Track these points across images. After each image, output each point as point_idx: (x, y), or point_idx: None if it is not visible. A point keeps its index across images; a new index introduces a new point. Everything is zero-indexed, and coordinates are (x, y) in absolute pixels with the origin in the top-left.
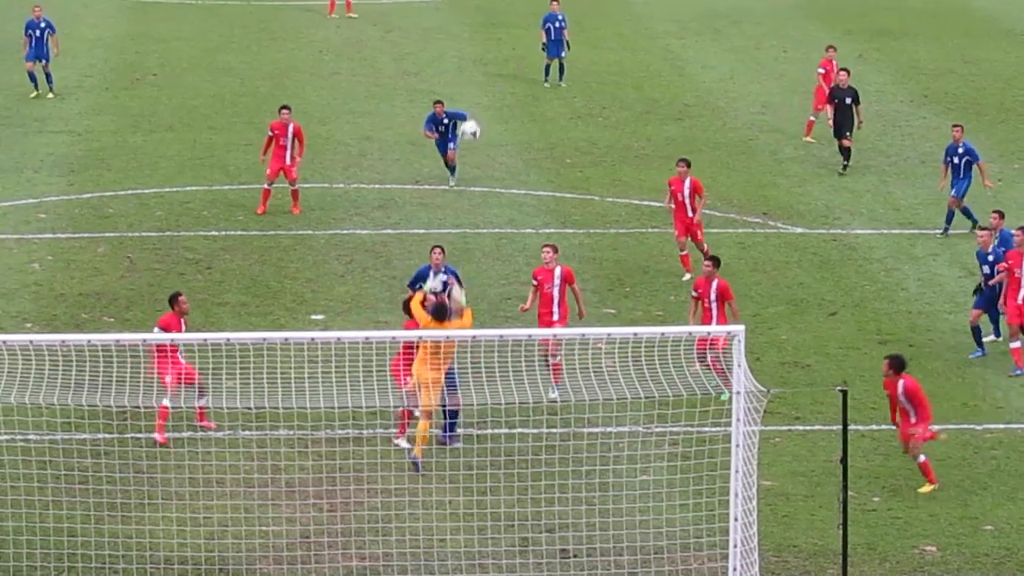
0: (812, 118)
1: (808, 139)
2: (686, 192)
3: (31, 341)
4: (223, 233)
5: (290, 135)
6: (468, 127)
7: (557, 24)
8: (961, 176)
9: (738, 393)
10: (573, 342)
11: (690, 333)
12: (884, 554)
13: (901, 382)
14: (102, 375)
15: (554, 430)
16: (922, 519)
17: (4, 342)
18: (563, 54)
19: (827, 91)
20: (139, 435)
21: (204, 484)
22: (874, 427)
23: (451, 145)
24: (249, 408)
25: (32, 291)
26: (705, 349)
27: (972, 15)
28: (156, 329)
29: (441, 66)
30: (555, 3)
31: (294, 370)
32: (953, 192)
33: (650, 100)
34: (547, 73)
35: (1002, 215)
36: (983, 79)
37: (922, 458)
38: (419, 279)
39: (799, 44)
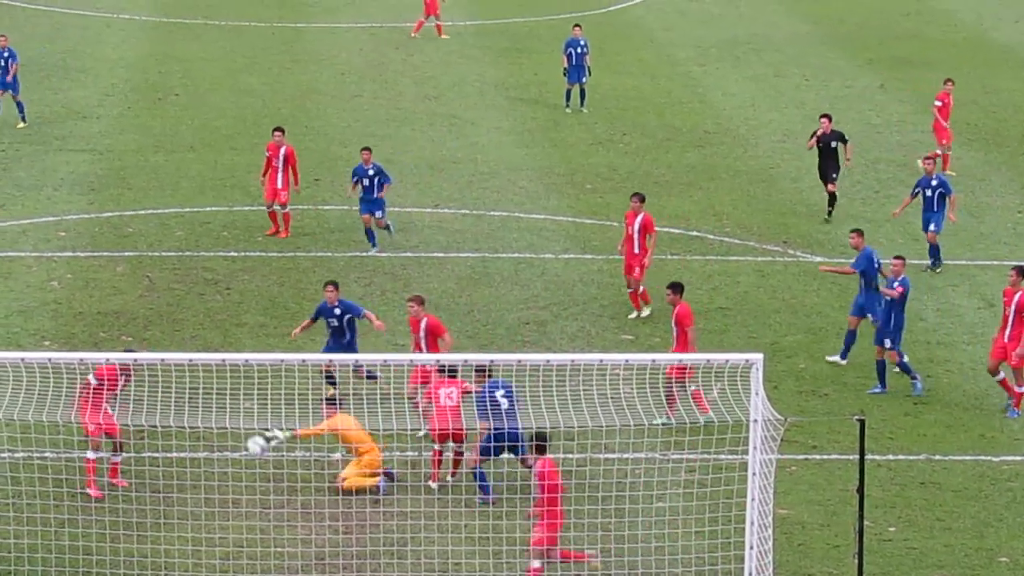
0: (945, 152)
1: (950, 172)
2: (636, 228)
3: (49, 359)
4: (243, 254)
5: (281, 157)
6: (254, 447)
7: (579, 50)
8: (935, 209)
9: (755, 421)
10: (591, 368)
11: (708, 360)
12: None
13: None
14: (119, 393)
15: (570, 455)
16: (938, 550)
17: (23, 359)
18: (584, 79)
19: (945, 124)
20: (156, 454)
21: (220, 504)
22: (891, 457)
23: (378, 213)
24: (266, 429)
25: (51, 309)
26: (671, 377)
27: (990, 45)
28: (91, 378)
29: (462, 90)
30: (577, 28)
31: (311, 391)
32: (933, 228)
33: (671, 127)
34: (568, 98)
35: (861, 233)
36: (1004, 110)
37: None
38: (319, 314)
39: (820, 72)
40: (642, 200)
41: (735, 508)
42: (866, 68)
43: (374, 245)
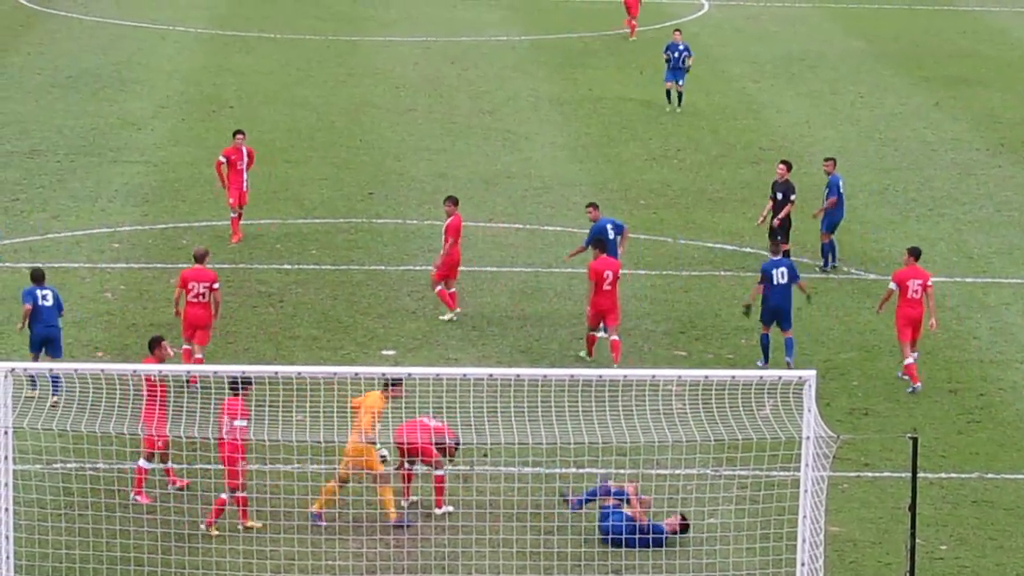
0: None
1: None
2: (442, 229)
3: (102, 370)
4: (296, 267)
5: (246, 160)
6: None
7: (677, 54)
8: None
9: (808, 438)
10: (644, 383)
11: (761, 377)
12: None
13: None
14: (171, 405)
15: (622, 471)
16: (989, 569)
17: (76, 370)
18: (681, 82)
19: None
20: (207, 466)
21: (271, 517)
22: (943, 475)
23: None
24: (318, 442)
25: (104, 320)
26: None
27: None
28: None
29: (517, 105)
30: (677, 33)
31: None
32: (824, 227)
33: (725, 143)
34: (669, 97)
35: (597, 207)
36: None
37: None
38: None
39: (874, 90)
40: (455, 203)
41: (787, 525)
42: (921, 86)
43: None
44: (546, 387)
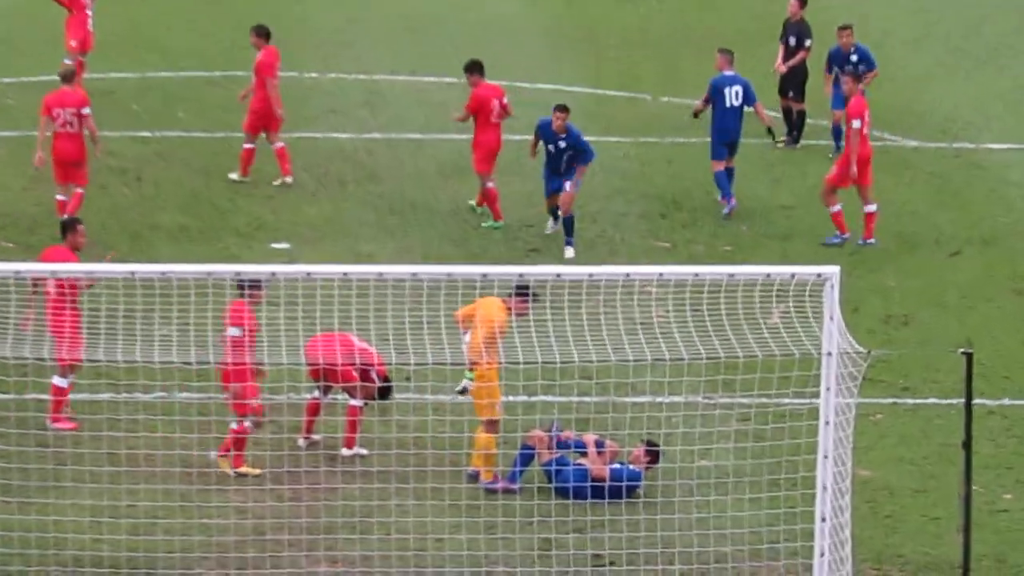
0: None
1: None
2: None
3: None
4: (158, 134)
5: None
6: None
7: None
8: None
9: (829, 355)
10: (614, 284)
11: (768, 275)
12: (1019, 568)
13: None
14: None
15: (587, 398)
16: None
17: None
18: None
19: None
20: (43, 396)
21: (128, 462)
22: (1006, 402)
23: None
24: (188, 363)
25: None
26: None
27: None
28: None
29: None
30: None
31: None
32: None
33: None
34: None
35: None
36: None
37: None
38: None
39: None
40: (263, 35)
41: (802, 468)
42: None
43: None
44: (486, 289)
